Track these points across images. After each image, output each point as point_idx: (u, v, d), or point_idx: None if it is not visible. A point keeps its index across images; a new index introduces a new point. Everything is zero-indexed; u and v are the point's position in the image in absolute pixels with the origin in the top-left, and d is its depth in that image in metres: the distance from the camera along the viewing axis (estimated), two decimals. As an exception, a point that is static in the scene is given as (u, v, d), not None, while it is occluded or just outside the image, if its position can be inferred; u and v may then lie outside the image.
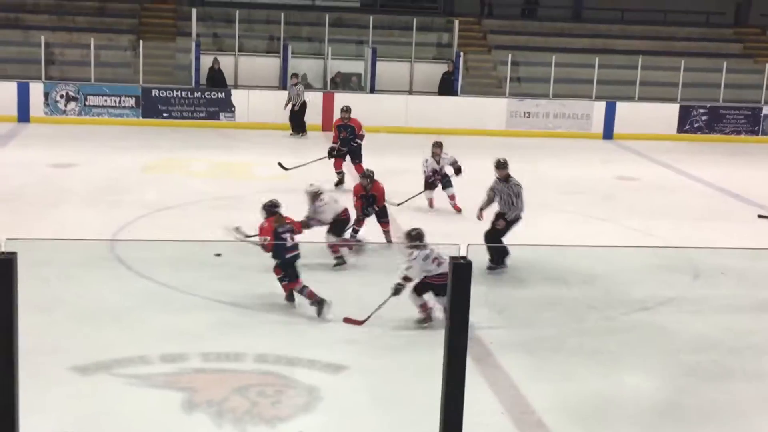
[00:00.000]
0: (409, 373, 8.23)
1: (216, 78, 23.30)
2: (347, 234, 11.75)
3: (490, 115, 23.76)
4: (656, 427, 7.55)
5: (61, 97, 22.21)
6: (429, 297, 9.42)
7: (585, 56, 25.35)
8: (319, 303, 9.50)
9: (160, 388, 7.68)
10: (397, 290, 9.30)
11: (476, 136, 22.51)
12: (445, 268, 8.84)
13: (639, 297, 10.69)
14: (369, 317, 9.22)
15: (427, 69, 25.08)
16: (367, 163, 14.70)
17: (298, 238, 9.90)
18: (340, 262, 11.26)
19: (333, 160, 16.01)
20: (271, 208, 9.95)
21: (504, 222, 11.41)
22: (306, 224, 10.97)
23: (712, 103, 24.87)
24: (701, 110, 24.65)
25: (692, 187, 18.13)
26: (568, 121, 24.10)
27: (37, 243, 9.93)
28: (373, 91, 24.11)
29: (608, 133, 24.04)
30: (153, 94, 22.59)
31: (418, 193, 14.39)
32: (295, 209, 10.65)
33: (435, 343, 8.72)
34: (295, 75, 22.44)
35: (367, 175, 12.22)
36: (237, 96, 22.98)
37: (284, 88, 23.02)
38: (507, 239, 11.35)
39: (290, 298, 9.78)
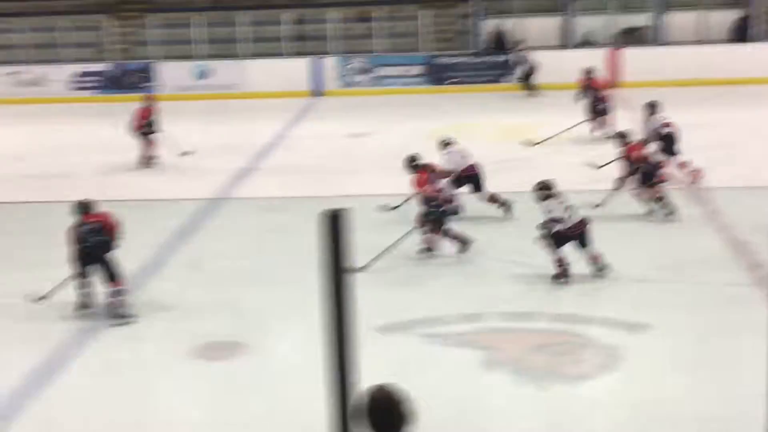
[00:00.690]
0: (712, 333, 7.99)
1: (499, 41, 23.45)
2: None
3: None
4: None
5: (353, 69, 23.26)
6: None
7: None
8: (463, 242, 9.94)
9: (460, 347, 7.94)
10: (546, 232, 9.22)
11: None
12: (577, 218, 9.08)
13: None
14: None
15: (718, 17, 23.72)
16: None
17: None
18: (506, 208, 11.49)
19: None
20: (413, 163, 10.22)
21: None
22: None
23: None
24: None
25: None
26: None
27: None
28: (661, 44, 23.20)
29: None
30: (437, 62, 23.09)
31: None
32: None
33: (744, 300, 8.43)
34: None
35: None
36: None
37: (566, 47, 22.80)
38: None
39: (431, 248, 10.07)
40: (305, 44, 24.26)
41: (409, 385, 3.66)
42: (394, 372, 7.55)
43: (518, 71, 22.09)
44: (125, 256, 8.91)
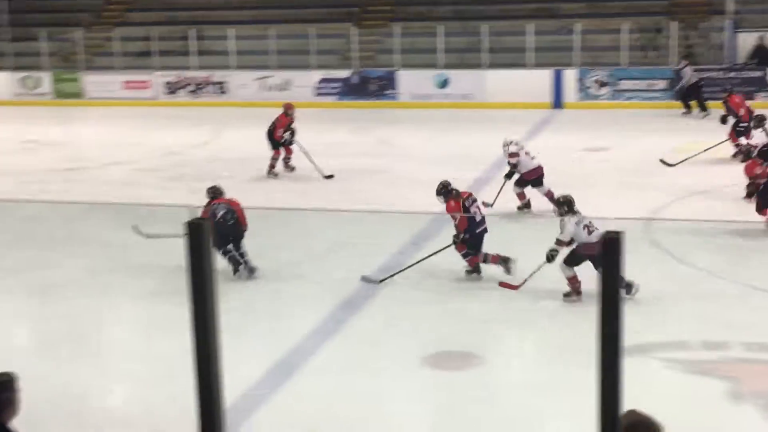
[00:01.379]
0: None
1: (762, 55, 22.23)
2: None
3: None
4: None
5: (595, 82, 22.77)
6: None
7: None
8: (505, 261, 9.82)
9: (700, 375, 7.51)
10: (551, 256, 9.08)
11: None
12: (596, 237, 8.66)
13: None
14: (524, 282, 9.23)
15: None
16: None
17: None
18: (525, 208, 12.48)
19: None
20: (445, 190, 9.99)
21: None
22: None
23: None
24: None
25: None
26: None
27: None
28: None
29: None
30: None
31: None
32: None
33: None
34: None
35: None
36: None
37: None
38: None
39: (477, 269, 9.93)
40: (547, 55, 24.00)
41: (653, 412, 3.47)
42: (635, 396, 7.31)
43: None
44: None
